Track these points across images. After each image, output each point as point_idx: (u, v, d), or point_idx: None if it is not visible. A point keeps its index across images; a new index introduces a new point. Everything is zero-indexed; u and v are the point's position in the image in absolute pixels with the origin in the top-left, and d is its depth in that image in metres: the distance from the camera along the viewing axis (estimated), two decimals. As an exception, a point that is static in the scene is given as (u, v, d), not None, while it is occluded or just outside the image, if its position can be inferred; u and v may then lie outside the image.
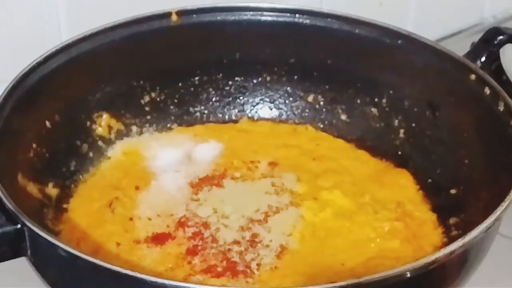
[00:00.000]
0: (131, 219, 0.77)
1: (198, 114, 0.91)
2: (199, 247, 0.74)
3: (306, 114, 0.91)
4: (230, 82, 0.91)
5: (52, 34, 0.89)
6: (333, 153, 0.87)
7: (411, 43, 0.85)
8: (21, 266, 0.67)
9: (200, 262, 0.73)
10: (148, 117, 0.89)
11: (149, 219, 0.77)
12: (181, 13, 0.87)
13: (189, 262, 0.73)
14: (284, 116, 0.92)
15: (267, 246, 0.74)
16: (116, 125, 0.87)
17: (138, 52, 0.86)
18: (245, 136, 0.89)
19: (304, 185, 0.81)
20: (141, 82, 0.88)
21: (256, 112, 0.92)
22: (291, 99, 0.92)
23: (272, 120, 0.92)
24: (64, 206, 0.79)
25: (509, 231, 0.81)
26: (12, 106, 0.74)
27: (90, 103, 0.85)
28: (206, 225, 0.76)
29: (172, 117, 0.90)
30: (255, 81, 0.91)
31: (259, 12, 0.89)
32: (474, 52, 0.84)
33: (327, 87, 0.91)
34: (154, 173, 0.83)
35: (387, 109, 0.88)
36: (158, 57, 0.87)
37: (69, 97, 0.82)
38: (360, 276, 0.58)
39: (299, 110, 0.92)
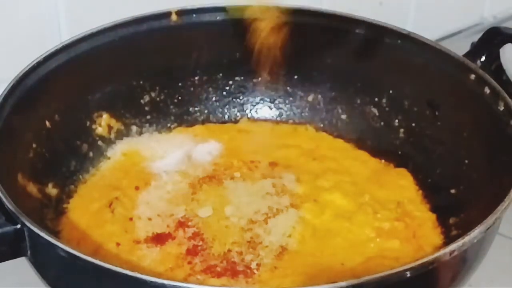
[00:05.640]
0: (131, 219, 0.77)
1: (198, 114, 0.91)
2: (199, 247, 0.74)
3: (306, 114, 0.91)
4: (230, 82, 0.91)
5: (52, 34, 0.89)
6: (333, 153, 0.87)
7: (411, 43, 0.85)
8: (21, 266, 0.67)
9: (200, 262, 0.73)
10: (148, 117, 0.89)
11: (149, 219, 0.77)
12: (181, 13, 0.87)
13: (189, 262, 0.73)
14: (284, 116, 0.92)
15: (267, 246, 0.74)
16: (116, 125, 0.87)
17: (138, 52, 0.86)
18: (245, 136, 0.89)
19: (304, 185, 0.81)
20: (141, 82, 0.88)
21: (256, 112, 0.92)
22: (291, 99, 0.92)
23: (272, 120, 0.92)
24: (64, 206, 0.79)
25: (509, 231, 0.81)
26: (12, 106, 0.74)
27: (90, 103, 0.85)
28: (206, 225, 0.76)
29: (172, 117, 0.90)
30: (255, 81, 0.91)
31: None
32: (474, 52, 0.84)
33: (327, 87, 0.91)
34: (154, 173, 0.83)
35: (387, 109, 0.88)
36: (158, 57, 0.88)
37: (69, 97, 0.82)
38: (360, 276, 0.58)
39: (299, 110, 0.92)
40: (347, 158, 0.86)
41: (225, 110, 0.92)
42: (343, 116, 0.90)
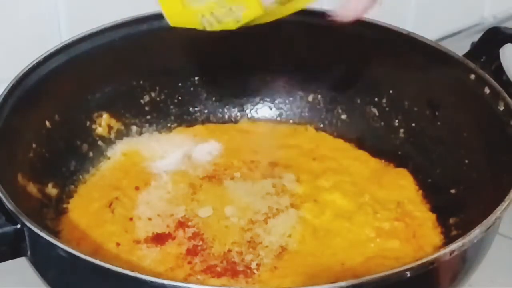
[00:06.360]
0: (131, 219, 0.77)
1: (198, 114, 0.91)
2: (199, 247, 0.74)
3: (306, 114, 0.92)
4: (230, 82, 0.91)
5: (52, 34, 0.89)
6: (333, 153, 0.87)
7: (411, 43, 0.85)
8: (21, 266, 0.67)
9: (200, 262, 0.73)
10: (148, 117, 0.89)
11: (149, 219, 0.77)
12: (181, 13, 0.87)
13: (189, 262, 0.73)
14: (284, 116, 0.92)
15: (267, 246, 0.74)
16: (116, 125, 0.87)
17: (138, 52, 0.86)
18: (245, 136, 0.89)
19: (304, 185, 0.81)
20: (141, 82, 0.88)
21: (256, 112, 0.92)
22: (291, 99, 0.92)
23: (272, 120, 0.92)
24: (64, 206, 0.79)
25: (509, 231, 0.81)
26: (12, 106, 0.74)
27: (90, 103, 0.85)
28: (206, 225, 0.76)
29: (172, 117, 0.90)
30: (255, 81, 0.91)
31: (259, 12, 0.89)
32: (474, 52, 0.84)
33: (327, 87, 0.91)
34: (154, 173, 0.83)
35: (387, 109, 0.88)
36: (158, 57, 0.88)
37: (69, 97, 0.82)
38: (360, 276, 0.58)
39: (299, 110, 0.92)
40: (347, 158, 0.86)
41: (225, 110, 0.92)
42: (343, 116, 0.90)
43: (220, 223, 0.77)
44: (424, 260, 0.61)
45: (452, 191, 0.80)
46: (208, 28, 0.70)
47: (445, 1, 1.17)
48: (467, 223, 0.71)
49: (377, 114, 0.88)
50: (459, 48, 0.85)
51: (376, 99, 0.88)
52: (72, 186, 0.81)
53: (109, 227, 0.76)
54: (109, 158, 0.85)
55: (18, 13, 0.87)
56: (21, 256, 0.65)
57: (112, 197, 0.79)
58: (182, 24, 0.71)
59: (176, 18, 0.70)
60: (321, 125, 0.91)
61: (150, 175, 0.83)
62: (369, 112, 0.89)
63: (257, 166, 0.84)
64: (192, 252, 0.74)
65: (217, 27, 0.70)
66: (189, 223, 0.77)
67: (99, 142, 0.85)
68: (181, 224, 0.77)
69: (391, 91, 0.87)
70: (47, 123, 0.80)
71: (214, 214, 0.78)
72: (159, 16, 0.86)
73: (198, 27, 0.70)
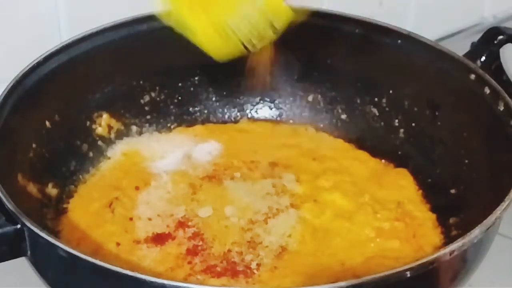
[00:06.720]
0: (131, 219, 0.77)
1: (198, 114, 0.91)
2: (199, 247, 0.74)
3: (306, 114, 0.91)
4: (230, 82, 0.91)
5: (52, 34, 0.89)
6: (333, 153, 0.87)
7: (411, 43, 0.85)
8: (21, 266, 0.67)
9: (200, 262, 0.73)
10: (148, 117, 0.89)
11: (149, 219, 0.77)
12: (181, 13, 0.87)
13: (189, 262, 0.73)
14: (284, 116, 0.92)
15: (267, 246, 0.74)
16: (116, 125, 0.87)
17: (138, 52, 0.86)
18: (245, 136, 0.89)
19: (304, 185, 0.81)
20: (141, 82, 0.88)
21: (256, 112, 0.92)
22: (291, 99, 0.92)
23: (272, 120, 0.92)
24: (64, 206, 0.79)
25: (509, 231, 0.81)
26: (12, 106, 0.74)
27: (90, 103, 0.85)
28: (206, 225, 0.76)
29: (172, 117, 0.90)
30: (255, 81, 0.91)
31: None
32: (474, 52, 0.84)
33: (327, 87, 0.91)
34: (154, 173, 0.83)
35: (387, 109, 0.88)
36: (158, 57, 0.87)
37: (69, 97, 0.82)
38: (360, 276, 0.58)
39: (299, 110, 0.92)
40: (347, 158, 0.86)
41: (225, 110, 0.92)
42: (343, 116, 0.90)
43: (220, 223, 0.77)
44: (424, 260, 0.61)
45: (452, 191, 0.80)
46: (253, 50, 0.73)
47: (445, 1, 1.17)
48: (467, 223, 0.71)
49: (377, 114, 0.89)
50: (459, 48, 0.85)
51: (376, 99, 0.88)
52: (72, 186, 0.81)
53: (109, 227, 0.76)
54: (109, 158, 0.85)
55: (18, 13, 0.87)
56: (21, 256, 0.65)
57: (112, 197, 0.79)
58: (228, 56, 0.74)
59: (220, 52, 0.74)
60: (321, 125, 0.91)
61: (150, 175, 0.83)
62: (369, 112, 0.89)
63: (257, 166, 0.84)
64: (192, 252, 0.74)
65: (260, 44, 0.73)
66: (189, 223, 0.77)
67: (99, 142, 0.85)
68: (181, 224, 0.77)
69: (391, 91, 0.87)
70: (47, 123, 0.80)
71: (214, 214, 0.78)
72: (159, 16, 0.86)
73: (244, 52, 0.73)
